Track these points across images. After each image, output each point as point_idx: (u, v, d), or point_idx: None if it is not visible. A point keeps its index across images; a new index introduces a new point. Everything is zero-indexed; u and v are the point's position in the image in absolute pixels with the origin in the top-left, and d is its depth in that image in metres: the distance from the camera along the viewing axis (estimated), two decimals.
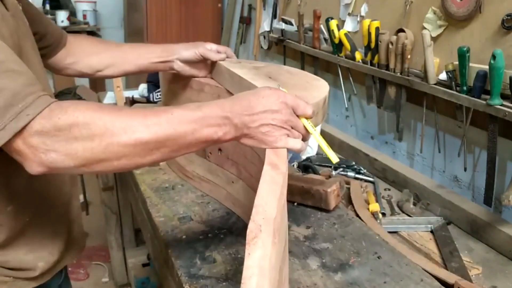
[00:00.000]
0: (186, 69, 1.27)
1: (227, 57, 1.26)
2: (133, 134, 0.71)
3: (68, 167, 0.70)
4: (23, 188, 0.90)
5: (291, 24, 2.31)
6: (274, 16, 2.54)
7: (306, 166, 1.69)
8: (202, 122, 0.75)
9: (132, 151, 0.71)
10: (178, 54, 1.24)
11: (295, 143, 0.81)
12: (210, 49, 1.24)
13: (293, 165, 1.70)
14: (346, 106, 1.95)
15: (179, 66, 1.26)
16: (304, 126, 0.84)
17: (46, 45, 1.13)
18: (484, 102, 1.25)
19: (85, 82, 3.56)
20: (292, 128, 0.81)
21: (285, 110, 0.79)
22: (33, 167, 0.70)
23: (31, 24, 0.97)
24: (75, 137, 0.68)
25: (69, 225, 1.04)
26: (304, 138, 0.84)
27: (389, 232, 1.30)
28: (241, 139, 0.80)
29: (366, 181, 1.63)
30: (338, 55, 1.87)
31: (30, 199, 0.92)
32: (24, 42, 0.88)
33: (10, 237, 0.90)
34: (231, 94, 1.17)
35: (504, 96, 1.22)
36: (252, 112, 0.77)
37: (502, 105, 1.21)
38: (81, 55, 1.20)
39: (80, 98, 2.34)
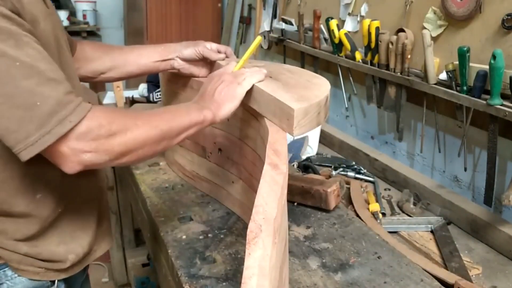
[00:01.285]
0: (186, 67, 1.27)
1: (227, 57, 1.26)
2: (153, 123, 0.86)
3: (104, 162, 0.81)
4: (58, 179, 0.94)
5: (291, 24, 2.31)
6: (274, 16, 2.54)
7: (306, 166, 1.69)
8: (187, 109, 0.96)
9: (152, 138, 0.85)
10: (179, 52, 1.24)
11: (252, 80, 1.02)
12: (210, 49, 1.24)
13: (293, 165, 1.70)
14: (346, 106, 1.95)
15: (179, 64, 1.26)
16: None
17: None
18: (484, 102, 1.25)
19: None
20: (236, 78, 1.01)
21: (224, 75, 1.02)
22: (73, 167, 0.79)
23: None
24: (111, 134, 0.79)
25: (99, 219, 1.08)
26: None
27: (389, 232, 1.30)
28: (217, 114, 0.98)
29: (366, 181, 1.63)
30: (338, 55, 1.87)
31: (63, 191, 0.97)
32: (61, 38, 0.95)
33: (42, 228, 0.95)
34: None
35: (504, 96, 1.22)
36: (206, 92, 1.01)
37: (502, 105, 1.21)
38: (83, 60, 1.20)
39: None
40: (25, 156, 0.75)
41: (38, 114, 0.74)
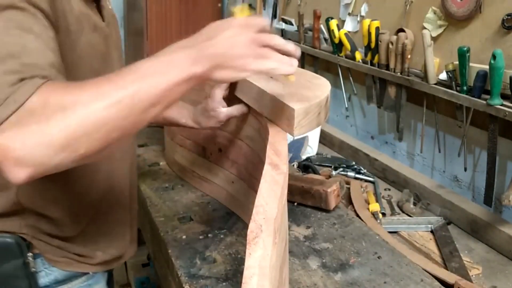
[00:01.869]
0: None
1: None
2: (103, 96, 0.62)
3: (50, 158, 0.60)
4: (85, 189, 0.93)
5: (291, 24, 2.31)
6: (274, 16, 2.54)
7: (306, 166, 1.69)
8: (167, 64, 0.67)
9: (108, 115, 0.62)
10: (200, 125, 1.18)
11: (281, 65, 0.71)
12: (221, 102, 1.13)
13: (293, 165, 1.70)
14: (346, 106, 1.95)
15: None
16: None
17: None
18: (484, 102, 1.25)
19: None
20: (264, 46, 0.71)
21: (243, 30, 0.70)
22: (15, 173, 0.60)
23: None
24: (47, 119, 0.59)
25: (130, 226, 1.08)
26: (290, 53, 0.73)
27: (389, 232, 1.30)
28: (214, 73, 0.70)
29: (366, 181, 1.63)
30: (338, 55, 1.87)
31: (99, 199, 0.96)
32: (112, 50, 0.93)
33: (74, 234, 0.94)
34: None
35: (504, 96, 1.22)
36: (211, 41, 0.69)
37: (502, 105, 1.21)
38: None
39: None
40: None
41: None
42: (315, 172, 1.65)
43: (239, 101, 1.13)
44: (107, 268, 1.05)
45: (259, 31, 0.72)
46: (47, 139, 0.59)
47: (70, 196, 0.91)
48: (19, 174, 0.60)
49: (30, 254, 0.89)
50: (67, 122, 0.60)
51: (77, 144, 0.61)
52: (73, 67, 0.78)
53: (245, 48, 0.69)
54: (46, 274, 0.93)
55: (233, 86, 1.13)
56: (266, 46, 0.71)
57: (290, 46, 0.74)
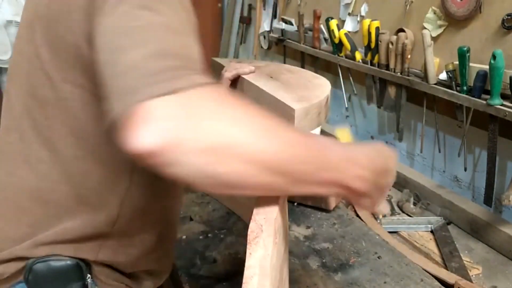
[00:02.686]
0: None
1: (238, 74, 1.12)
2: (295, 138, 0.57)
3: (190, 150, 0.49)
4: (158, 215, 0.82)
5: (291, 24, 2.31)
6: (274, 16, 2.54)
7: None
8: (350, 161, 0.62)
9: (292, 161, 0.56)
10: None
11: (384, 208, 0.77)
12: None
13: None
14: (346, 106, 1.95)
15: None
16: None
17: None
18: (484, 102, 1.25)
19: None
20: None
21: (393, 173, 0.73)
22: (142, 137, 0.48)
23: None
24: (219, 118, 0.51)
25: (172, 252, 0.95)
26: None
27: (389, 232, 1.30)
28: (361, 199, 0.67)
29: None
30: (338, 55, 1.87)
31: (159, 225, 0.84)
32: None
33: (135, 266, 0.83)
34: None
35: (504, 96, 1.22)
36: (387, 172, 0.71)
37: (502, 105, 1.21)
38: None
39: None
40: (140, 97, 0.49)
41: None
42: None
43: None
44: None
45: None
46: (202, 137, 0.49)
47: (160, 224, 0.81)
48: (145, 141, 0.48)
49: (89, 276, 0.78)
50: (246, 136, 0.52)
51: (219, 162, 0.51)
52: None
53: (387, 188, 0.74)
54: None
55: (233, 86, 1.13)
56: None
57: None
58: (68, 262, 0.76)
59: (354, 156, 0.63)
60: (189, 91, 0.50)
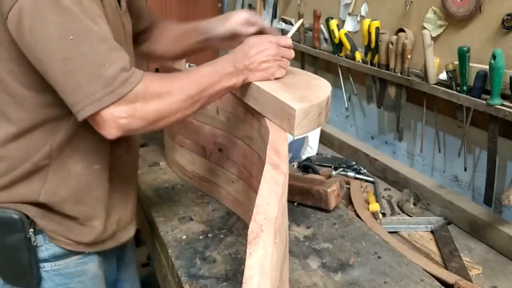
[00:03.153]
0: (221, 45, 1.23)
1: (262, 29, 1.20)
2: (184, 91, 0.90)
3: (139, 127, 0.87)
4: (109, 153, 1.03)
5: (291, 24, 2.31)
6: (274, 16, 2.54)
7: (306, 166, 1.69)
8: (221, 73, 0.96)
9: (185, 105, 0.90)
10: (210, 32, 1.19)
11: (284, 71, 1.04)
12: (240, 23, 1.17)
13: (293, 165, 1.70)
14: (346, 106, 1.95)
15: (214, 43, 1.22)
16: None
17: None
18: (484, 102, 1.25)
19: None
20: (282, 57, 1.04)
21: (272, 45, 1.02)
22: (111, 132, 0.85)
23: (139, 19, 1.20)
24: (146, 102, 0.85)
25: (134, 198, 1.16)
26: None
27: (389, 232, 1.30)
28: (248, 79, 1.00)
29: (366, 181, 1.63)
30: (338, 55, 1.87)
31: (114, 166, 1.05)
32: (127, 38, 1.06)
33: (78, 211, 1.02)
34: (232, 93, 1.17)
35: (504, 96, 1.22)
36: (248, 56, 0.99)
37: (502, 105, 1.21)
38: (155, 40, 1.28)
39: None
40: (86, 113, 0.82)
41: (105, 75, 0.82)
42: (315, 172, 1.65)
43: (241, 101, 1.13)
44: (101, 248, 1.08)
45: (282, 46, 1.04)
46: (143, 116, 0.85)
47: (93, 158, 1.01)
48: (114, 133, 0.85)
49: (31, 230, 0.98)
50: (159, 106, 0.87)
51: (159, 122, 0.88)
52: None
53: (272, 63, 1.02)
54: (46, 249, 1.01)
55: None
56: (280, 56, 1.03)
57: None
58: (13, 215, 0.96)
59: (221, 67, 0.97)
60: (131, 92, 0.83)
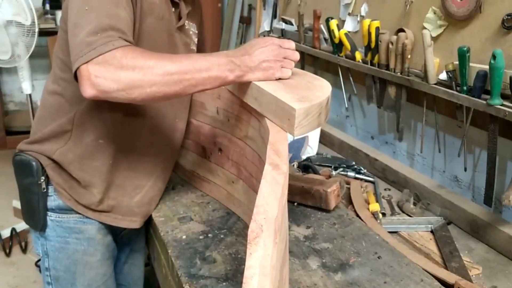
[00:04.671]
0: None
1: None
2: (163, 67, 0.92)
3: (113, 90, 0.90)
4: (130, 135, 1.18)
5: (291, 24, 2.31)
6: (274, 16, 2.54)
7: (306, 166, 1.69)
8: (213, 63, 0.96)
9: (161, 80, 0.92)
10: None
11: (288, 72, 1.05)
12: None
13: (293, 165, 1.70)
14: (346, 106, 1.95)
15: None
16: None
17: None
18: (484, 102, 1.25)
19: None
20: (285, 58, 1.03)
21: (274, 46, 1.02)
22: (87, 90, 0.90)
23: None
24: (119, 67, 0.90)
25: (146, 195, 1.26)
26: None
27: (389, 232, 1.30)
28: (246, 76, 1.00)
29: (366, 181, 1.63)
30: (338, 55, 1.87)
31: (121, 141, 1.17)
32: (178, 44, 1.19)
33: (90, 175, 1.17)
34: (232, 93, 1.17)
35: (504, 96, 1.22)
36: (249, 53, 1.00)
37: (502, 105, 1.21)
38: None
39: None
40: (74, 68, 0.91)
41: (100, 26, 0.92)
42: (315, 172, 1.65)
43: (241, 101, 1.13)
44: (97, 218, 1.21)
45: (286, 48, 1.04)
46: (116, 78, 0.89)
47: (97, 131, 1.14)
48: (89, 92, 0.90)
49: (43, 177, 1.16)
50: (133, 74, 0.90)
51: (132, 90, 0.91)
52: (137, 38, 1.07)
53: (273, 64, 1.02)
54: (54, 199, 1.19)
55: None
56: (283, 56, 1.03)
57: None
58: (30, 160, 1.16)
59: (214, 57, 0.98)
60: (111, 52, 0.90)
